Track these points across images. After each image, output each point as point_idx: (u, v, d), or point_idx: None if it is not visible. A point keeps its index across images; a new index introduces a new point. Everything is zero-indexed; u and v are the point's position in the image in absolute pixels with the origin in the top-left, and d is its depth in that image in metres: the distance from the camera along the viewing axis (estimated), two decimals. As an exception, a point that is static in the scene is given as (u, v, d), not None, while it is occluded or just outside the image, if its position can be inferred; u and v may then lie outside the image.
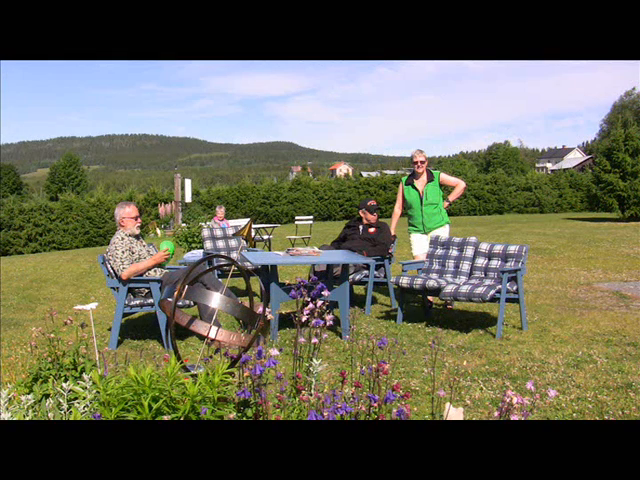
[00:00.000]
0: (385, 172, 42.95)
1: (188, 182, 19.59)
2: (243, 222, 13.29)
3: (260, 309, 2.99)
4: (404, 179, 6.34)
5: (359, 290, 7.04)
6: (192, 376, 2.43)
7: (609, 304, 6.11)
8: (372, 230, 6.43)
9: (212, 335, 3.59)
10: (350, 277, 5.88)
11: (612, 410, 3.30)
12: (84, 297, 7.50)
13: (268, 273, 5.21)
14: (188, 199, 19.47)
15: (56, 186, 49.62)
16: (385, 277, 6.26)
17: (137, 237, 5.27)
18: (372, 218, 6.43)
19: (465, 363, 4.20)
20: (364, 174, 41.50)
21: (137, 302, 5.03)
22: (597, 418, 3.20)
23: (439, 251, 5.87)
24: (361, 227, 6.51)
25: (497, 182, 26.22)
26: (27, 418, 2.29)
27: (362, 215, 6.51)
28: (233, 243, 7.65)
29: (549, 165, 79.35)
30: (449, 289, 5.13)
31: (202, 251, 7.84)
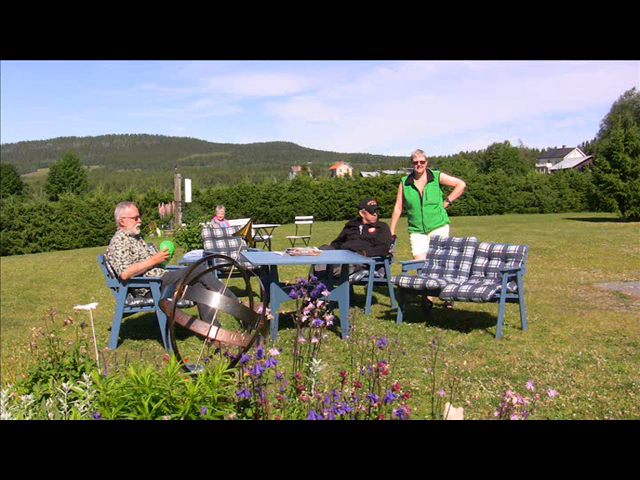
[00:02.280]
0: (385, 172, 42.94)
1: (188, 182, 19.60)
2: (243, 222, 13.29)
3: (260, 309, 2.99)
4: (404, 179, 6.35)
5: (359, 290, 7.04)
6: (192, 376, 2.43)
7: (609, 304, 6.11)
8: (372, 230, 6.43)
9: (212, 335, 3.59)
10: (350, 277, 5.88)
11: (612, 410, 3.30)
12: (84, 297, 7.50)
13: (268, 273, 5.21)
14: (188, 199, 19.47)
15: (56, 186, 49.62)
16: (385, 277, 6.26)
17: (137, 237, 5.27)
18: (372, 218, 6.43)
19: (465, 363, 4.20)
20: (364, 174, 41.50)
21: (137, 302, 5.03)
22: (597, 418, 3.20)
23: (439, 251, 5.87)
24: (361, 227, 6.51)
25: (497, 182, 26.23)
26: (27, 418, 2.29)
27: (362, 215, 6.51)
28: (233, 243, 7.65)
29: (549, 165, 79.35)
30: (449, 289, 5.13)
31: (202, 251, 7.85)
